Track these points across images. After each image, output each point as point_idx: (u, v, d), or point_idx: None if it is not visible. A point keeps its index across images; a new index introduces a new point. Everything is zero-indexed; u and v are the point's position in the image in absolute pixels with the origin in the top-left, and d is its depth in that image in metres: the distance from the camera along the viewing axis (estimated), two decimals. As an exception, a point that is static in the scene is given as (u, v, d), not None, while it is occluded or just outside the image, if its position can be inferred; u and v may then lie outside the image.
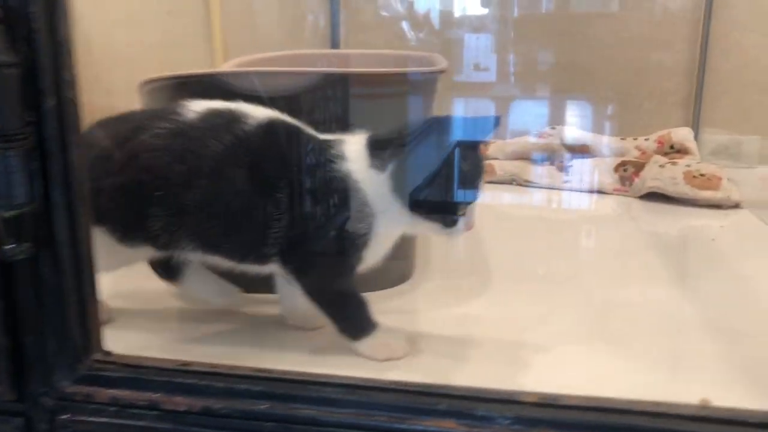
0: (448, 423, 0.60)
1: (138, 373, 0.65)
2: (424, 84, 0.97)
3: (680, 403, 0.69)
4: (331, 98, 0.88)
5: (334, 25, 1.92)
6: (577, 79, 1.95)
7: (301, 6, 1.98)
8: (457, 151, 0.76)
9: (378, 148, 0.78)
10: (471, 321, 0.92)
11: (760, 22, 1.86)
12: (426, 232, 0.81)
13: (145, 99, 0.95)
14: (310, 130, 0.82)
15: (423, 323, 0.92)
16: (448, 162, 0.76)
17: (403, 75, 0.94)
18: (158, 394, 0.63)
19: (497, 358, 0.81)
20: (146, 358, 0.67)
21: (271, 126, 0.80)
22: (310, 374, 0.66)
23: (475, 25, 1.95)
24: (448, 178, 0.77)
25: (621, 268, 1.13)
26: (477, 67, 1.91)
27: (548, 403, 0.61)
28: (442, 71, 0.95)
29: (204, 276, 0.91)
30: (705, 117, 1.93)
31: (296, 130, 0.81)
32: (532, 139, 1.78)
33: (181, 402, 0.63)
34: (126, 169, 0.79)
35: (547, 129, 1.80)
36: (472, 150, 0.77)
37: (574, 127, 1.82)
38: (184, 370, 0.67)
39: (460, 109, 1.82)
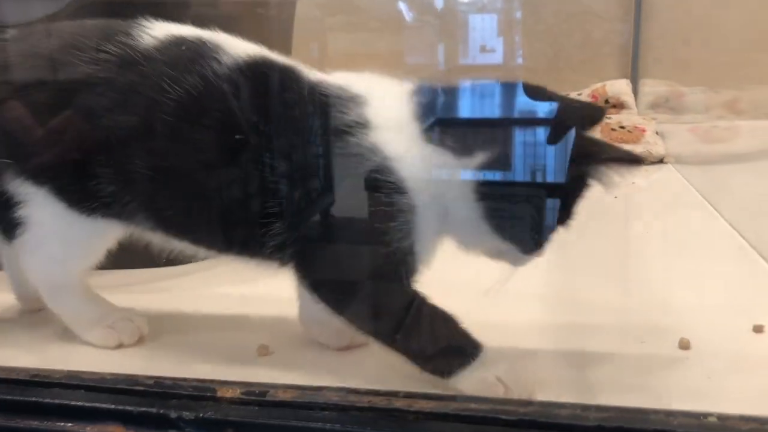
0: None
1: None
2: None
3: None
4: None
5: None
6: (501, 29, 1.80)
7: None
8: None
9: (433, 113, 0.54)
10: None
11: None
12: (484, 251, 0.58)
13: None
14: (312, 74, 0.58)
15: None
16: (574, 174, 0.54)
17: None
18: None
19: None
20: None
21: (256, 66, 0.58)
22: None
23: None
24: (564, 191, 0.55)
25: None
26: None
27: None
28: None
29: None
30: (644, 68, 1.78)
31: (292, 74, 0.58)
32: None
33: None
34: (55, 105, 0.59)
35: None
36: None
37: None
38: None
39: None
